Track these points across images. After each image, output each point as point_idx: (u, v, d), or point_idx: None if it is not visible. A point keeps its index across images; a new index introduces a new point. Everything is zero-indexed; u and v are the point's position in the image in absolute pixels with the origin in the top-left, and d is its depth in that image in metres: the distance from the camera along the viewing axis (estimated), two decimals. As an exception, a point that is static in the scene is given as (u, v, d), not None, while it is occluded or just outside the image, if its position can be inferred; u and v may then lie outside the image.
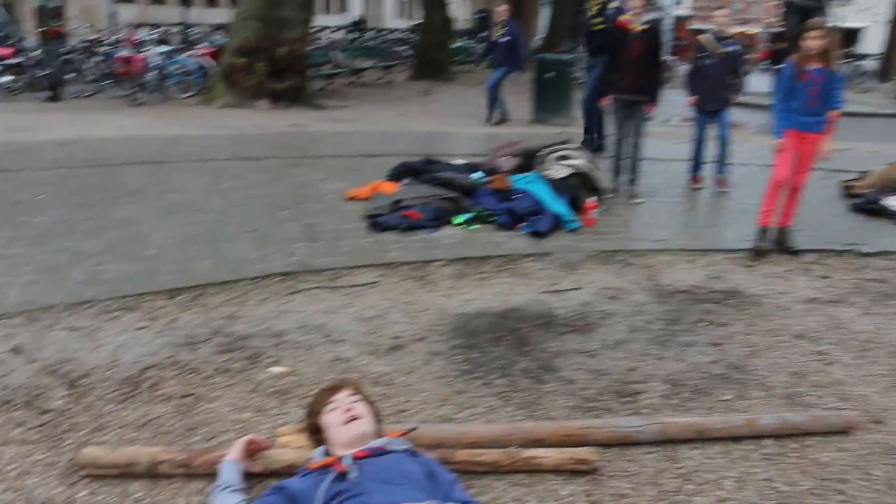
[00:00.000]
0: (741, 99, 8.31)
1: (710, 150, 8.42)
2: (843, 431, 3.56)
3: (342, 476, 2.63)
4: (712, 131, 8.32)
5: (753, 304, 5.08)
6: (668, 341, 4.46)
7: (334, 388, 3.01)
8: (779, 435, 3.48)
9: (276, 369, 3.91)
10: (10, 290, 4.84)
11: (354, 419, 2.87)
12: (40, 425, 3.36)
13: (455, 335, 4.44)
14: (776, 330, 4.67)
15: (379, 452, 2.77)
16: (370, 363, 4.04)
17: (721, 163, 8.31)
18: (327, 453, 2.85)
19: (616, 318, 4.77)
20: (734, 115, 8.28)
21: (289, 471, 2.95)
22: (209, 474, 2.98)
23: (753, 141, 8.14)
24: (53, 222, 6.34)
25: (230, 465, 2.87)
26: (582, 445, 3.21)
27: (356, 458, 2.69)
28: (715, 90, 8.06)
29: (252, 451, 2.99)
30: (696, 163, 8.44)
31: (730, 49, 8.06)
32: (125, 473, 2.99)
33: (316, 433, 2.96)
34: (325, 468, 2.70)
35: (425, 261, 5.70)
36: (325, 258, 5.67)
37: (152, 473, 2.99)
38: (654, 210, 7.55)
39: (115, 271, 5.25)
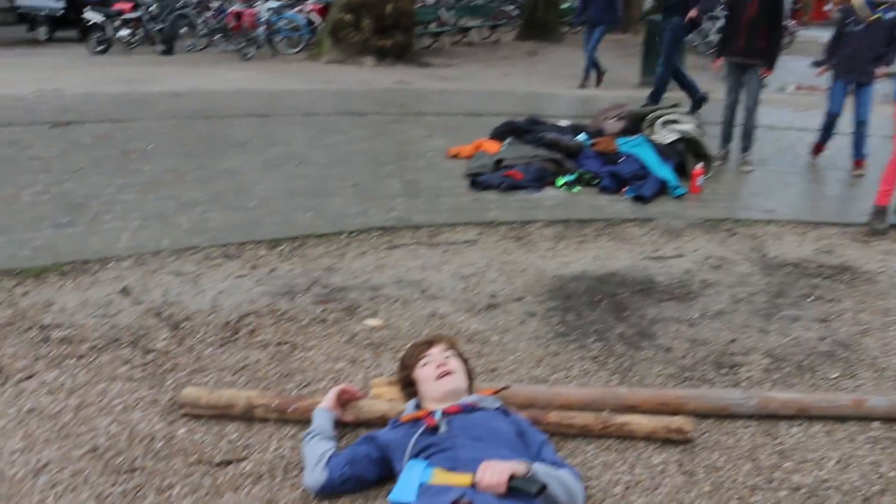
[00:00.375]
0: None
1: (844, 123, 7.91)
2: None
3: (432, 430, 2.65)
4: (849, 104, 7.57)
5: (867, 282, 4.85)
6: (773, 315, 4.30)
7: (428, 343, 3.02)
8: (889, 418, 3.32)
9: (372, 322, 3.96)
10: (121, 234, 5.05)
11: (447, 374, 2.88)
12: (145, 364, 3.50)
13: (552, 297, 4.39)
14: (891, 309, 4.44)
15: (470, 409, 2.78)
16: (465, 320, 4.04)
17: (858, 141, 7.42)
18: (419, 407, 2.87)
19: (718, 289, 4.63)
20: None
21: (380, 422, 3.00)
22: (302, 420, 3.05)
23: (877, 110, 7.67)
24: (163, 171, 6.56)
25: (323, 412, 2.92)
26: (677, 415, 3.14)
27: (446, 413, 2.71)
28: (859, 61, 7.22)
29: (345, 401, 3.04)
30: (825, 133, 7.75)
31: (886, 15, 7.10)
32: (222, 415, 3.09)
33: (408, 387, 2.98)
34: (415, 421, 2.73)
35: (525, 221, 5.66)
36: (424, 214, 5.70)
37: (248, 416, 3.07)
38: (764, 179, 7.28)
39: (220, 220, 5.41)
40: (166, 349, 3.63)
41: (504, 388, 3.03)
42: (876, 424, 3.29)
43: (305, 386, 3.38)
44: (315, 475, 2.67)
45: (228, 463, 2.84)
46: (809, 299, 4.54)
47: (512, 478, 2.38)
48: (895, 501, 2.82)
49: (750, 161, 7.56)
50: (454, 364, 2.94)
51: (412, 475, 2.50)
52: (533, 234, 5.40)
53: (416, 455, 2.58)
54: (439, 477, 2.45)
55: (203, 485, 2.71)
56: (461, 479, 2.43)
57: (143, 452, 2.88)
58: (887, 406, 3.33)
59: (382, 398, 3.12)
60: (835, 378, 3.67)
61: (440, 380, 2.87)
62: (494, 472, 2.38)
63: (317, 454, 2.72)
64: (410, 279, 4.52)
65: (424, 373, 2.92)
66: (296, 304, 4.13)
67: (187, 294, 4.22)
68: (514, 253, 5.04)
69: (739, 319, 4.23)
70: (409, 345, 3.06)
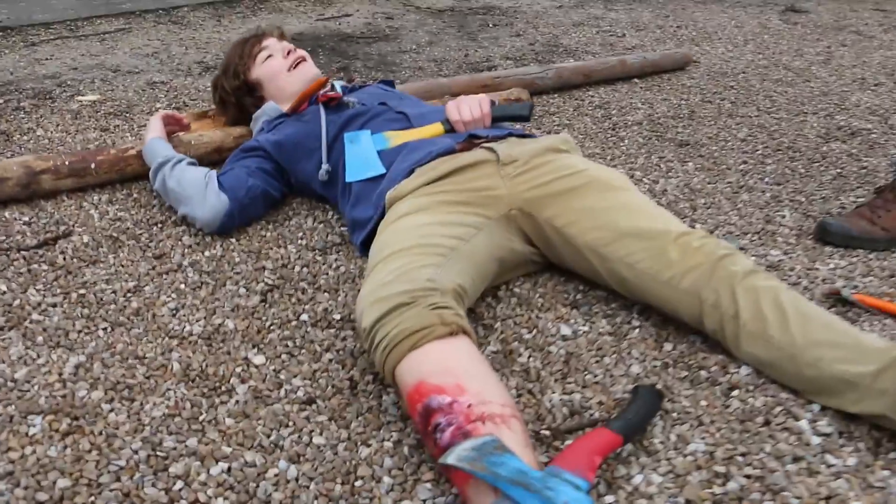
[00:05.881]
0: None
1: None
2: (682, 67, 3.57)
3: (335, 106, 1.97)
4: None
5: (511, 13, 4.90)
6: (476, 35, 4.12)
7: (258, 38, 2.20)
8: (642, 74, 3.41)
9: (88, 97, 2.90)
10: None
11: (302, 61, 2.16)
12: None
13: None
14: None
15: (351, 88, 2.14)
16: (193, 81, 3.17)
17: None
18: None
19: (408, 30, 4.29)
20: None
21: (217, 156, 2.19)
22: (108, 182, 2.11)
23: None
24: None
25: (160, 141, 2.02)
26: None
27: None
28: None
29: (169, 132, 2.14)
30: None
31: None
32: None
33: (248, 95, 2.17)
34: (299, 114, 2.01)
35: (171, 7, 4.64)
36: (43, 13, 4.34)
37: (30, 192, 2.01)
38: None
39: None
40: None
41: (351, 76, 2.39)
42: (637, 80, 3.36)
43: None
44: (210, 203, 1.82)
45: (54, 241, 1.83)
46: (489, 26, 4.44)
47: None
48: (699, 121, 2.84)
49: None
50: (302, 50, 2.21)
51: (361, 148, 1.82)
52: (187, 17, 4.46)
53: (338, 134, 1.89)
54: (399, 138, 1.82)
55: (40, 271, 1.70)
56: (428, 130, 1.83)
57: None
58: (640, 62, 3.42)
59: (203, 130, 2.27)
60: (566, 57, 3.66)
61: (298, 68, 2.13)
62: (472, 106, 1.82)
63: (196, 179, 1.86)
64: (86, 64, 3.42)
65: (271, 67, 2.13)
66: (-43, 108, 2.86)
67: None
68: (184, 33, 4.11)
69: (454, 43, 3.97)
70: (231, 46, 2.21)
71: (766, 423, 1.24)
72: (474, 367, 1.14)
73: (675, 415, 1.26)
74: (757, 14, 4.91)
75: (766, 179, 2.29)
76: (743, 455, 1.16)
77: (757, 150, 2.54)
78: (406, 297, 1.21)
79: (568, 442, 1.19)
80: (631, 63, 3.38)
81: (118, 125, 2.61)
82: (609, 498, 1.08)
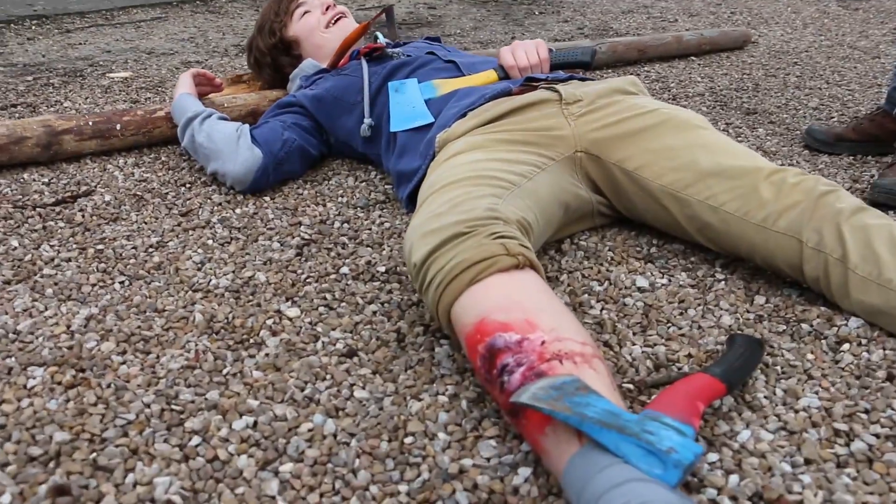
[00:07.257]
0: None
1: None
2: (741, 46, 3.38)
3: (378, 57, 1.80)
4: None
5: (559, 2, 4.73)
6: (524, 22, 3.95)
7: (293, -6, 2.05)
8: (699, 52, 3.21)
9: (120, 73, 2.78)
10: None
11: (342, 17, 2.00)
12: None
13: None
14: None
15: (396, 45, 1.97)
16: (232, 60, 3.04)
17: None
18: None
19: (452, 17, 4.14)
20: None
21: (251, 120, 2.03)
22: (135, 145, 1.97)
23: None
24: None
25: (189, 97, 1.86)
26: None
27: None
28: None
29: (201, 91, 2.00)
30: None
31: None
32: (5, 163, 1.84)
33: (284, 54, 2.02)
34: (338, 69, 1.85)
35: None
36: (80, 4, 4.26)
37: (50, 154, 1.86)
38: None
39: None
40: None
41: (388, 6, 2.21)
42: (693, 58, 3.16)
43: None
44: (242, 157, 1.66)
45: (73, 199, 1.69)
46: (536, 13, 4.28)
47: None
48: (765, 92, 2.64)
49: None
50: (342, 6, 2.05)
51: (407, 97, 1.65)
52: (225, 7, 4.36)
53: (382, 84, 1.72)
54: (448, 85, 1.65)
55: (56, 228, 1.55)
56: (480, 77, 1.66)
57: None
58: (697, 39, 3.22)
59: (238, 93, 2.12)
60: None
61: (337, 24, 1.98)
62: (528, 50, 1.66)
63: (227, 133, 1.70)
64: (120, 48, 3.30)
65: (308, 23, 1.98)
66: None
67: None
68: (221, 21, 4.00)
69: (500, 28, 3.81)
70: (267, 3, 2.06)
71: (890, 378, 1.03)
72: (547, 301, 0.95)
73: (778, 368, 1.06)
74: (814, 2, 4.69)
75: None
76: (866, 412, 0.97)
77: (832, 118, 2.33)
78: (463, 226, 1.03)
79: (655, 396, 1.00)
80: (687, 40, 3.18)
81: (149, 97, 2.48)
82: (712, 456, 0.88)
